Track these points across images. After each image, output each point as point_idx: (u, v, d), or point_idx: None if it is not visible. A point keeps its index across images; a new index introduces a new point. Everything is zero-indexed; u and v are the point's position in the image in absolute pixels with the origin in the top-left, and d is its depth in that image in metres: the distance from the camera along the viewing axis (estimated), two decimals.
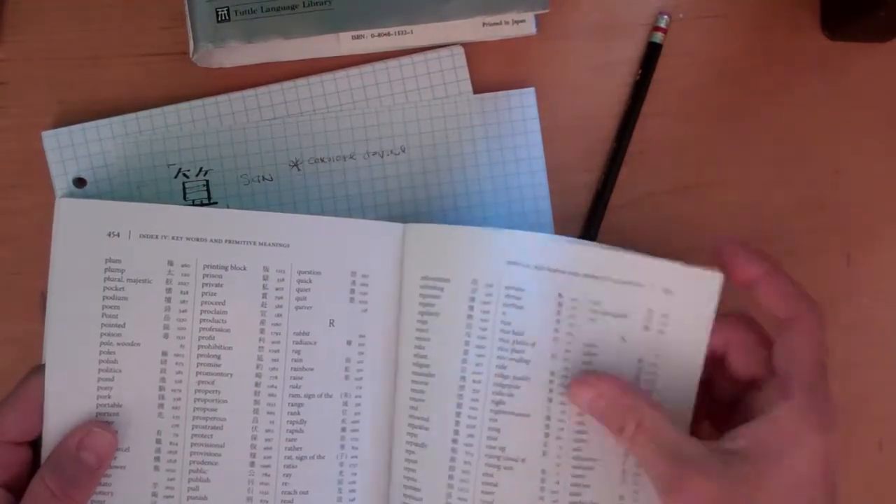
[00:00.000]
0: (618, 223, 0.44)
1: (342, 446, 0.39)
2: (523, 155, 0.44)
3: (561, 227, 0.44)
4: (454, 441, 0.38)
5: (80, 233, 0.37)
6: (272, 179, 0.43)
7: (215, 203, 0.43)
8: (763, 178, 0.44)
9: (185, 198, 0.42)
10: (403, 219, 0.43)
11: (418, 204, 0.43)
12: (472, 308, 0.38)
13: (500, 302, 0.38)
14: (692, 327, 0.38)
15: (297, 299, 0.39)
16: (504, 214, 0.43)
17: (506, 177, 0.43)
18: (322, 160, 0.43)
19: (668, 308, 0.38)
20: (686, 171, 0.44)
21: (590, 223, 0.44)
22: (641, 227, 0.44)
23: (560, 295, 0.38)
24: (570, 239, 0.39)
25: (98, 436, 0.36)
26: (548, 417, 0.38)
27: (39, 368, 0.37)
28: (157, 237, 0.38)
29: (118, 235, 0.37)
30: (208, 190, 0.43)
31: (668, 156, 0.44)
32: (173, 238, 0.38)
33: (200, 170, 0.43)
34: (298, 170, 0.43)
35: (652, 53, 0.44)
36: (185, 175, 0.43)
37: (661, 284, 0.38)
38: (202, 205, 0.42)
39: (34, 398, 0.37)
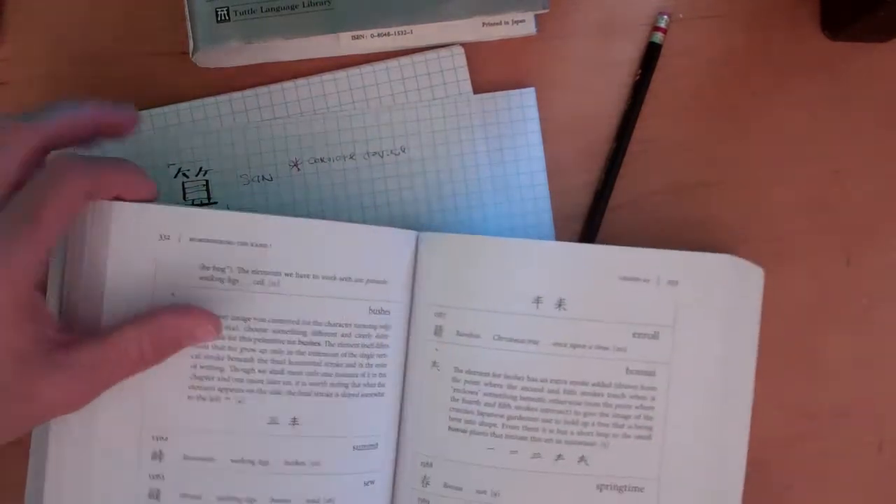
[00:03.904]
0: (618, 223, 0.44)
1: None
2: (523, 155, 0.44)
3: (561, 227, 0.44)
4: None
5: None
6: (272, 179, 0.43)
7: (215, 203, 0.43)
8: (763, 178, 0.44)
9: (184, 198, 0.42)
10: (403, 219, 0.43)
11: (418, 204, 0.43)
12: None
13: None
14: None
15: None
16: (504, 214, 0.43)
17: (506, 177, 0.43)
18: (322, 160, 0.43)
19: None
20: (686, 171, 0.44)
21: (590, 223, 0.44)
22: (641, 227, 0.44)
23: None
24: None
25: (207, 334, 0.35)
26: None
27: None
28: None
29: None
30: (208, 190, 0.43)
31: (668, 156, 0.44)
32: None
33: (200, 169, 0.43)
34: (298, 170, 0.43)
35: (652, 53, 0.44)
36: (184, 175, 0.43)
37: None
38: (202, 205, 0.42)
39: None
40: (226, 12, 0.40)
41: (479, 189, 0.43)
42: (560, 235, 0.44)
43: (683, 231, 0.44)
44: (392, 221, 0.43)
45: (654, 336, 0.39)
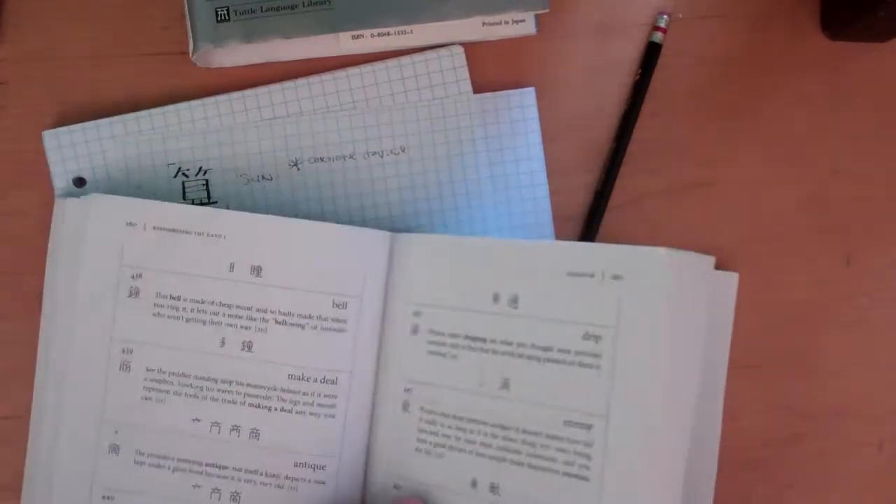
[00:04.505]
0: (618, 223, 0.44)
1: None
2: (523, 155, 0.44)
3: (561, 227, 0.44)
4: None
5: None
6: (272, 179, 0.43)
7: (215, 202, 0.43)
8: (763, 178, 0.44)
9: (184, 197, 0.42)
10: (403, 218, 0.43)
11: (418, 204, 0.43)
12: None
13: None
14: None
15: None
16: (504, 214, 0.43)
17: (506, 177, 0.43)
18: (322, 160, 0.43)
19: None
20: (686, 171, 0.44)
21: (590, 223, 0.43)
22: (641, 227, 0.44)
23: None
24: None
25: None
26: None
27: None
28: None
29: None
30: (208, 189, 0.43)
31: (669, 156, 0.44)
32: None
33: (200, 169, 0.43)
34: (298, 169, 0.43)
35: (652, 53, 0.44)
36: (184, 174, 0.43)
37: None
38: (202, 204, 0.42)
39: None
40: (226, 12, 0.40)
41: (479, 189, 0.43)
42: (560, 235, 0.44)
43: (683, 231, 0.44)
44: (392, 221, 0.43)
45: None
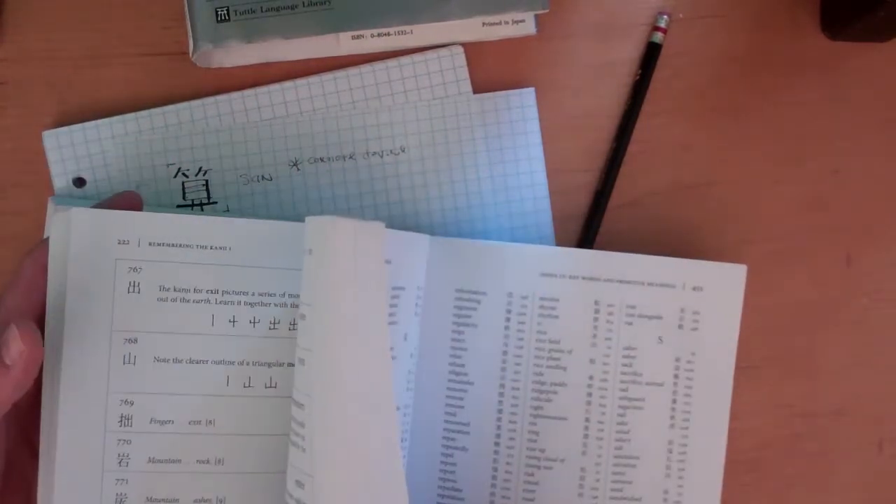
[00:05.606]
0: (618, 223, 0.44)
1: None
2: (523, 155, 0.44)
3: (561, 227, 0.44)
4: (496, 444, 0.41)
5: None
6: (272, 179, 0.43)
7: (215, 203, 0.43)
8: (763, 178, 0.44)
9: (184, 198, 0.42)
10: (403, 219, 0.43)
11: (418, 204, 0.43)
12: (508, 319, 0.41)
13: (535, 313, 0.41)
14: (723, 319, 0.41)
15: None
16: (504, 214, 0.43)
17: (506, 177, 0.43)
18: (322, 160, 0.43)
19: (699, 305, 0.41)
20: (686, 171, 0.44)
21: (590, 223, 0.43)
22: (641, 227, 0.44)
23: (596, 302, 0.41)
24: (599, 252, 0.42)
25: (14, 341, 0.32)
26: (587, 419, 0.41)
27: (37, 247, 0.36)
28: None
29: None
30: (207, 190, 0.43)
31: (668, 156, 0.44)
32: None
33: (200, 169, 0.43)
34: (298, 169, 0.43)
35: (652, 53, 0.44)
36: (184, 175, 0.43)
37: (691, 283, 0.41)
38: (202, 205, 0.42)
39: (31, 276, 0.35)
40: (226, 12, 0.40)
41: (478, 189, 0.43)
42: (560, 235, 0.44)
43: (683, 231, 0.44)
44: (391, 221, 0.43)
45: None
